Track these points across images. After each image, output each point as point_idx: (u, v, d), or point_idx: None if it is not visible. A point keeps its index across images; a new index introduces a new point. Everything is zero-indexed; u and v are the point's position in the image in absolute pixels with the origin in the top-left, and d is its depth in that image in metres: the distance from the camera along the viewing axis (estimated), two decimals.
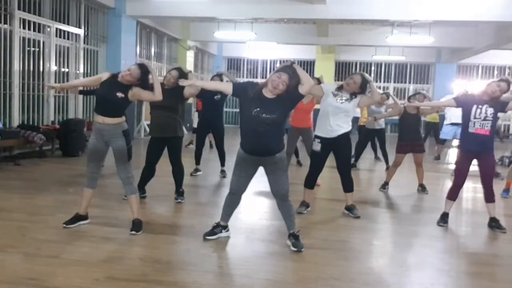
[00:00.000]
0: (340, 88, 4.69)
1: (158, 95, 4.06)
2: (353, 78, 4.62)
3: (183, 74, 4.93)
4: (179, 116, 5.11)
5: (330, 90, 4.72)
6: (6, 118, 7.94)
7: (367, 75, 4.73)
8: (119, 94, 3.92)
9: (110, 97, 3.91)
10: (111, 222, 4.28)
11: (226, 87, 3.76)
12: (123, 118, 4.05)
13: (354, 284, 3.16)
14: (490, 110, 4.35)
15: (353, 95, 4.63)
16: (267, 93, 3.52)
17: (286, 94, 3.51)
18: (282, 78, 3.44)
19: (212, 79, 6.75)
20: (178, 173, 5.18)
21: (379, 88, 15.12)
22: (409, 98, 6.46)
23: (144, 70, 4.01)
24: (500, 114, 4.52)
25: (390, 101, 8.21)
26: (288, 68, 3.51)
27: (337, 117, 4.64)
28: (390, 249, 4.05)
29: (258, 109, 3.46)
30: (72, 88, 4.62)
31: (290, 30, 14.19)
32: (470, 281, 3.36)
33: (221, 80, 6.69)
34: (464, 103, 4.50)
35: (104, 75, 4.07)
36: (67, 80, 9.59)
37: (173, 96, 4.91)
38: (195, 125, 10.39)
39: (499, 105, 4.39)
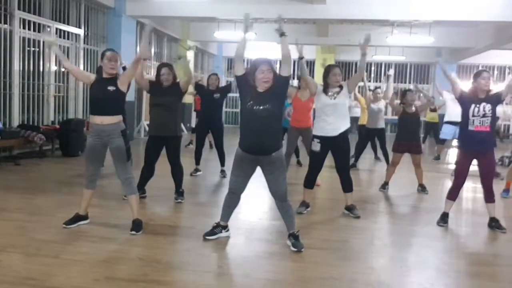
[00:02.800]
0: (326, 86, 4.69)
1: (143, 52, 4.16)
2: (335, 73, 4.63)
3: (172, 68, 5.00)
4: (178, 115, 5.12)
5: (320, 89, 4.73)
6: (6, 118, 7.94)
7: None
8: (111, 88, 3.95)
9: (103, 93, 3.93)
10: (111, 222, 4.28)
11: (238, 68, 3.71)
12: (121, 117, 4.06)
13: (354, 284, 3.16)
14: (488, 107, 4.35)
15: (339, 87, 4.66)
16: (260, 88, 3.60)
17: (276, 84, 3.59)
18: (266, 69, 3.52)
19: (209, 77, 6.77)
20: (177, 173, 5.18)
21: (379, 88, 15.09)
22: (402, 100, 6.24)
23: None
24: (499, 114, 4.52)
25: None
26: (262, 59, 3.59)
27: (336, 115, 4.64)
28: (390, 249, 4.05)
29: (252, 102, 3.54)
30: (62, 60, 4.47)
31: (290, 30, 14.04)
32: (470, 281, 3.36)
33: (218, 78, 6.77)
34: (465, 99, 4.49)
35: (92, 76, 4.09)
36: (67, 80, 9.61)
37: (172, 93, 4.93)
38: (194, 125, 10.40)
39: (495, 99, 4.40)
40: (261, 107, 3.51)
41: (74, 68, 4.41)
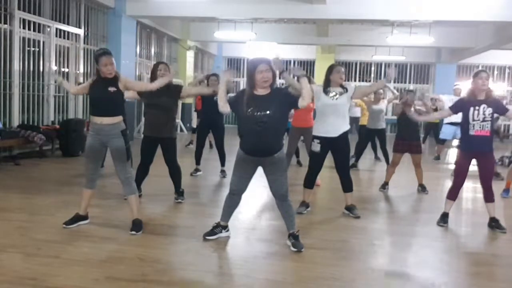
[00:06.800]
0: (326, 86, 4.68)
1: (153, 86, 4.16)
2: (339, 70, 4.64)
3: (168, 65, 4.97)
4: (174, 116, 5.11)
5: (319, 90, 4.70)
6: (6, 118, 7.94)
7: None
8: (111, 89, 3.93)
9: (104, 95, 3.92)
10: (111, 222, 4.28)
11: (224, 109, 3.71)
12: (121, 117, 4.05)
13: (354, 284, 3.16)
14: (489, 110, 4.34)
15: (342, 88, 4.66)
16: (259, 91, 3.55)
17: (283, 95, 3.58)
18: (264, 69, 3.48)
19: (209, 78, 6.76)
20: (175, 174, 5.17)
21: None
22: (404, 102, 6.08)
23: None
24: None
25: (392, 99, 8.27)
26: (259, 59, 3.57)
27: (336, 115, 4.64)
28: (390, 249, 4.05)
29: (252, 108, 3.49)
30: (69, 89, 4.60)
31: (290, 30, 14.19)
32: (470, 280, 3.36)
33: (218, 79, 6.72)
34: (460, 108, 4.49)
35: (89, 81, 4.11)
36: (67, 81, 9.57)
37: (168, 94, 4.87)
38: (195, 125, 10.39)
39: (498, 107, 4.39)
40: (263, 113, 3.46)
41: (79, 89, 4.43)
